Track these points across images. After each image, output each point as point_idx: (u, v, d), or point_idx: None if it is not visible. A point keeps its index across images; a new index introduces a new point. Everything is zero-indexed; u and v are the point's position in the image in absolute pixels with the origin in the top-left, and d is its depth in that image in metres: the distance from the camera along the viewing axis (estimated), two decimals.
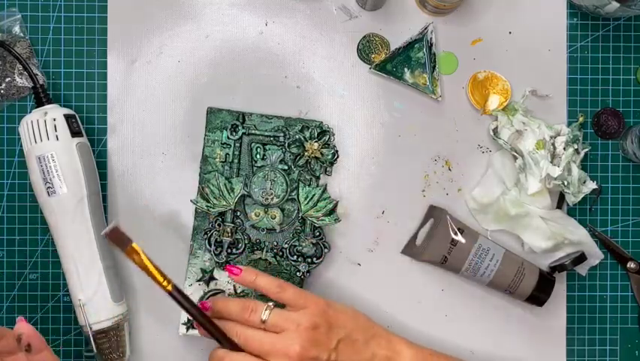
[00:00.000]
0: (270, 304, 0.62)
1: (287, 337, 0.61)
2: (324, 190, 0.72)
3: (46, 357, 0.57)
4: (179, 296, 0.59)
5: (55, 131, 0.67)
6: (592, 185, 0.72)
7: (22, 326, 0.56)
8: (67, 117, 0.68)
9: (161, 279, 0.58)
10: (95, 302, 0.67)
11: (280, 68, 0.74)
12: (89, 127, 0.73)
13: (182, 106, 0.73)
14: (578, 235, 0.73)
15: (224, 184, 0.71)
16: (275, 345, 0.60)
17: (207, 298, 0.71)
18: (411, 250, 0.73)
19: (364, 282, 0.73)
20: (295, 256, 0.71)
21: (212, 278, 0.72)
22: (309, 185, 0.72)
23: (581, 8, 0.74)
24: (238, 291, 0.72)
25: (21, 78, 0.72)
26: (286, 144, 0.72)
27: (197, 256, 0.72)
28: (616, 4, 0.68)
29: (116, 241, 0.57)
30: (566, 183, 0.71)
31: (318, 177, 0.72)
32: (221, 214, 0.72)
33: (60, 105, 0.70)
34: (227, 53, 0.74)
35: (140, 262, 0.58)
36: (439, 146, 0.74)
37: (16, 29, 0.72)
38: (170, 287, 0.59)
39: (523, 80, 0.74)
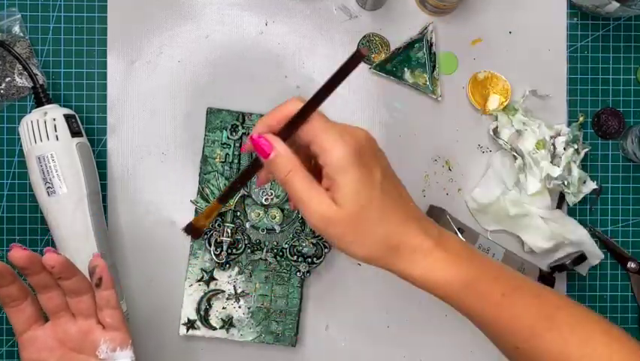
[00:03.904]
0: None
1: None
2: None
3: (110, 295, 0.57)
4: (228, 194, 0.55)
5: (55, 131, 0.67)
6: (592, 185, 0.72)
7: (98, 260, 0.57)
8: (67, 117, 0.68)
9: (215, 208, 0.55)
10: None
11: (280, 68, 0.74)
12: (89, 127, 0.73)
13: (182, 106, 0.73)
14: (578, 235, 0.73)
15: (224, 184, 0.71)
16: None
17: (207, 298, 0.72)
18: None
19: (364, 282, 0.73)
20: (295, 256, 0.71)
21: (212, 278, 0.72)
22: None
23: (581, 8, 0.74)
24: (238, 291, 0.72)
25: (21, 78, 0.72)
26: None
27: (197, 256, 0.72)
28: (616, 4, 0.68)
29: (194, 234, 0.57)
30: (566, 183, 0.71)
31: None
32: (221, 214, 0.72)
33: (60, 105, 0.70)
34: (227, 53, 0.74)
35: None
36: (439, 146, 0.74)
37: (16, 29, 0.72)
38: (217, 203, 0.55)
39: (523, 80, 0.74)
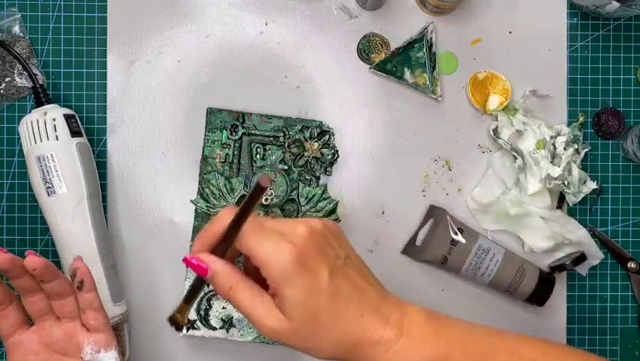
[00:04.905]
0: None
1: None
2: (325, 190, 0.72)
3: (93, 298, 0.57)
4: (190, 299, 0.55)
5: (55, 131, 0.67)
6: (592, 185, 0.72)
7: (79, 263, 0.57)
8: (67, 117, 0.68)
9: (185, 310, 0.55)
10: None
11: (280, 68, 0.74)
12: (89, 127, 0.73)
13: (182, 106, 0.73)
14: (578, 235, 0.73)
15: (224, 184, 0.71)
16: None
17: (207, 298, 0.72)
18: (411, 250, 0.73)
19: None
20: None
21: None
22: (309, 185, 0.72)
23: (581, 8, 0.74)
24: None
25: (21, 78, 0.72)
26: (286, 144, 0.72)
27: None
28: (616, 4, 0.68)
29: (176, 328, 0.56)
30: (566, 183, 0.71)
31: (318, 177, 0.72)
32: None
33: (60, 105, 0.70)
34: (227, 53, 0.74)
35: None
36: (439, 146, 0.74)
37: (16, 29, 0.72)
38: (184, 305, 0.55)
39: (523, 80, 0.74)
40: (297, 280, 0.48)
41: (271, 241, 0.49)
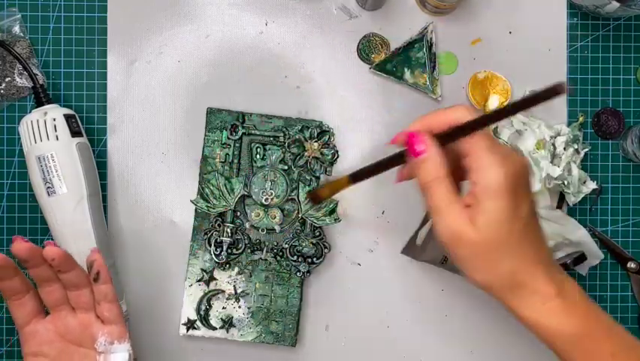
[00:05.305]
0: None
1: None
2: None
3: (108, 290, 0.58)
4: (363, 175, 0.54)
5: (55, 131, 0.67)
6: (592, 185, 0.72)
7: (96, 255, 0.58)
8: (67, 117, 0.68)
9: (344, 184, 0.54)
10: None
11: (280, 68, 0.74)
12: (89, 127, 0.73)
13: (182, 106, 0.73)
14: (578, 235, 0.73)
15: (224, 184, 0.71)
16: None
17: (207, 298, 0.72)
18: (411, 250, 0.73)
19: (364, 282, 0.73)
20: (295, 256, 0.71)
21: (212, 278, 0.72)
22: (309, 185, 0.72)
23: (581, 8, 0.74)
24: (238, 291, 0.72)
25: (21, 78, 0.72)
26: (286, 144, 0.72)
27: (197, 256, 0.72)
28: (616, 4, 0.68)
29: (314, 200, 0.56)
30: (566, 183, 0.71)
31: (318, 177, 0.72)
32: (221, 214, 0.72)
33: (60, 105, 0.70)
34: (227, 53, 0.74)
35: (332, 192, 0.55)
36: None
37: (16, 29, 0.72)
38: (348, 180, 0.54)
39: (523, 80, 0.74)
40: (504, 199, 0.49)
41: (498, 155, 0.49)
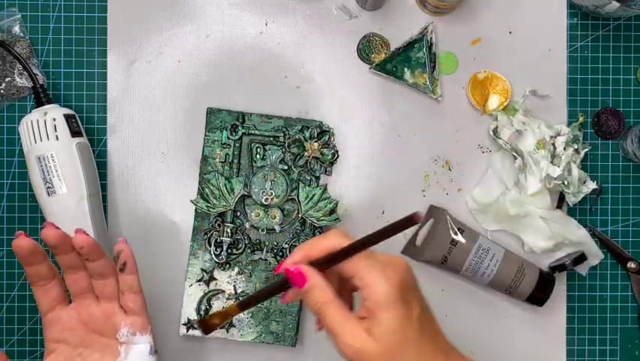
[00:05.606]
0: None
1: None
2: (324, 190, 0.72)
3: (133, 281, 0.58)
4: (250, 303, 0.56)
5: (55, 131, 0.67)
6: (592, 185, 0.72)
7: (123, 246, 0.58)
8: (67, 117, 0.68)
9: (233, 312, 0.56)
10: None
11: (280, 68, 0.74)
12: (89, 127, 0.73)
13: (182, 106, 0.73)
14: (578, 235, 0.73)
15: (224, 184, 0.71)
16: None
17: (207, 298, 0.72)
18: (411, 250, 0.73)
19: None
20: None
21: (212, 278, 0.72)
22: (309, 185, 0.72)
23: (581, 8, 0.74)
24: (238, 291, 0.72)
25: (21, 78, 0.72)
26: (286, 144, 0.72)
27: (197, 256, 0.72)
28: (616, 4, 0.68)
29: (205, 330, 0.57)
30: (566, 183, 0.71)
31: (318, 177, 0.72)
32: (221, 214, 0.72)
33: (60, 105, 0.70)
34: (227, 53, 0.74)
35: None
36: (439, 146, 0.74)
37: (16, 29, 0.72)
38: (237, 308, 0.56)
39: (523, 80, 0.74)
40: (396, 308, 0.51)
41: (379, 268, 0.51)
